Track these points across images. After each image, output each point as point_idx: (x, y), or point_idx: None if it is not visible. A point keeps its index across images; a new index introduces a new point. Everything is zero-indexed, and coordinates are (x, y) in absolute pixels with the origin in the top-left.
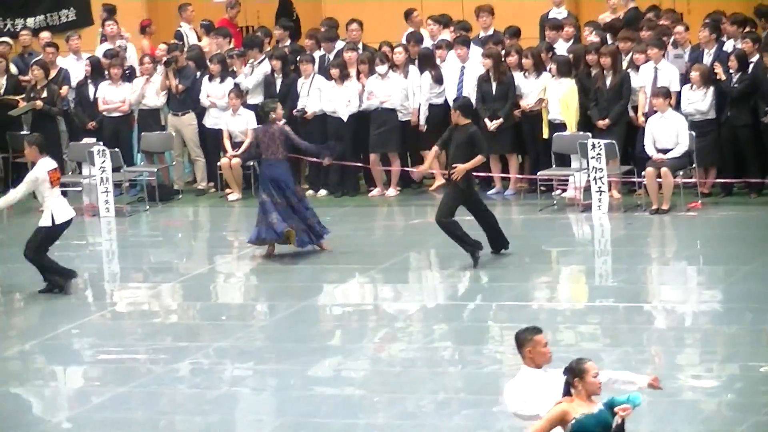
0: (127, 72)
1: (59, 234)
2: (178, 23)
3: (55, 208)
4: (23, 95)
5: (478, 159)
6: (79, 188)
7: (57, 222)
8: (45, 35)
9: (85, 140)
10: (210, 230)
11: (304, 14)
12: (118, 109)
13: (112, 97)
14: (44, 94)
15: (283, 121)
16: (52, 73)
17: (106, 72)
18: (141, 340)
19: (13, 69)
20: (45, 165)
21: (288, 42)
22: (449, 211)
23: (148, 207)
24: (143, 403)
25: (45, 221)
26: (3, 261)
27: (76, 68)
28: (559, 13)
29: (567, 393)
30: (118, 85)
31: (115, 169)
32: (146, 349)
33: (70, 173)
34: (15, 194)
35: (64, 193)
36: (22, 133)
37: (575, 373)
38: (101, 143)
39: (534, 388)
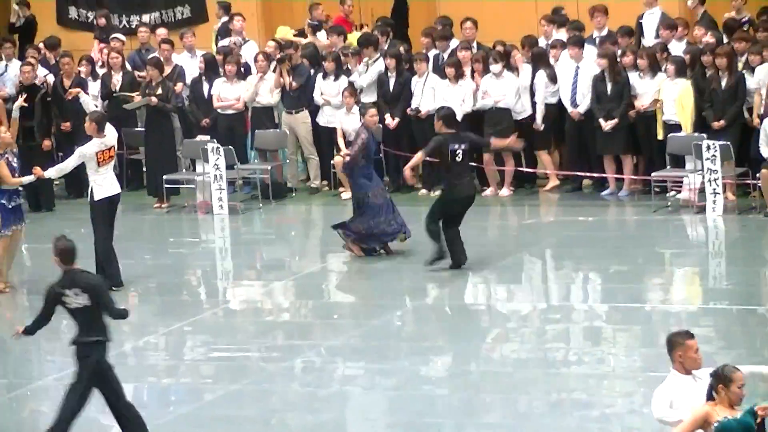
0: (242, 69)
1: (102, 211)
2: (293, 21)
3: (96, 184)
4: (138, 92)
5: (418, 155)
6: (193, 185)
7: (96, 198)
8: (161, 32)
9: (200, 137)
10: (323, 228)
11: (419, 13)
12: (233, 106)
13: (226, 94)
14: (159, 91)
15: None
16: (167, 70)
17: (221, 69)
18: (253, 337)
19: (128, 66)
20: (94, 145)
21: (388, 41)
22: (431, 213)
23: (261, 205)
24: (255, 401)
25: (88, 197)
26: (122, 256)
27: (191, 65)
28: (652, 14)
29: (710, 397)
30: (233, 82)
31: (229, 167)
32: (258, 347)
33: (184, 170)
34: (66, 164)
35: (175, 191)
36: (136, 129)
37: (721, 379)
38: (215, 140)
39: (682, 395)
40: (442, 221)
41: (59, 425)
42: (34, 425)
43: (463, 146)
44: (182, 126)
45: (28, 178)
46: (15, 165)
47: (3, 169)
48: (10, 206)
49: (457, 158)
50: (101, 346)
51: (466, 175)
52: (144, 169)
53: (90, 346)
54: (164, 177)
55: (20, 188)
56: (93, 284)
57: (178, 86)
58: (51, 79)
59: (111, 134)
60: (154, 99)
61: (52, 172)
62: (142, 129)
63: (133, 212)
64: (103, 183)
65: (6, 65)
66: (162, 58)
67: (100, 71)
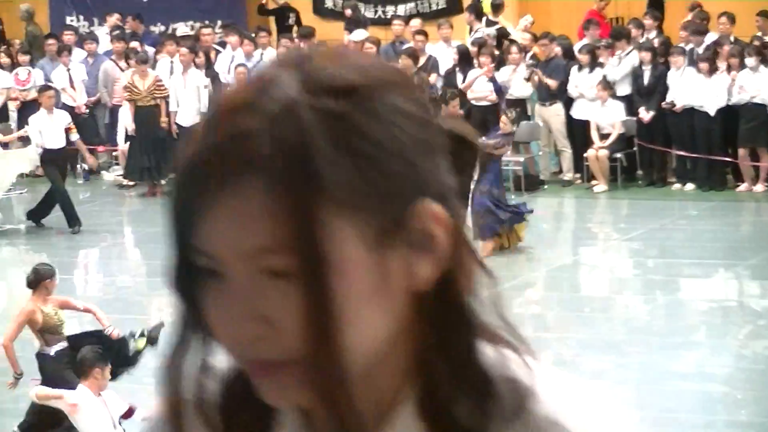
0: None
1: None
2: (548, 14)
3: None
4: None
5: None
6: None
7: None
8: (415, 23)
9: None
10: (575, 221)
11: (676, 6)
12: (486, 98)
13: (480, 85)
14: None
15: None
16: (421, 61)
17: (475, 60)
18: None
19: (382, 57)
20: None
21: (654, 33)
22: None
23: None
24: None
25: None
26: None
27: (446, 56)
28: None
29: None
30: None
31: None
32: None
33: None
34: None
35: None
36: None
37: None
38: None
39: None
40: None
41: None
42: None
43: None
44: None
45: None
46: None
47: None
48: None
49: None
50: None
51: None
52: None
53: None
54: None
55: None
56: None
57: (432, 77)
58: None
59: None
60: None
61: None
62: None
63: None
64: None
65: (261, 54)
66: (416, 49)
67: None
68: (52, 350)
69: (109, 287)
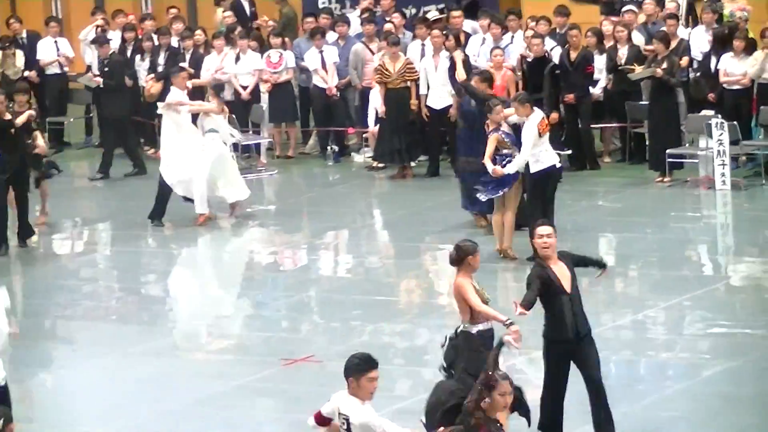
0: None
1: (538, 185)
2: None
3: (532, 158)
4: (643, 65)
5: None
6: (696, 160)
7: (532, 171)
8: (671, 6)
9: (704, 112)
10: None
11: None
12: (739, 81)
13: (733, 69)
14: (664, 65)
15: None
16: (673, 44)
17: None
18: (754, 314)
19: (637, 39)
20: (536, 118)
21: None
22: None
23: (764, 181)
24: (754, 379)
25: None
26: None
27: (700, 39)
28: None
29: None
30: (740, 57)
31: (733, 143)
32: (759, 324)
33: (687, 145)
34: (522, 157)
35: (678, 165)
36: (640, 103)
37: None
38: (719, 116)
39: None
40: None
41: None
42: None
43: None
44: (687, 100)
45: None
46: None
47: (491, 145)
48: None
49: None
50: None
51: None
52: (647, 142)
53: None
54: (667, 151)
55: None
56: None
57: (684, 60)
58: (558, 51)
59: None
60: (659, 71)
61: (513, 167)
62: (646, 102)
63: (635, 186)
64: (540, 156)
65: (512, 37)
66: (668, 32)
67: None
68: (474, 328)
69: (358, 268)
